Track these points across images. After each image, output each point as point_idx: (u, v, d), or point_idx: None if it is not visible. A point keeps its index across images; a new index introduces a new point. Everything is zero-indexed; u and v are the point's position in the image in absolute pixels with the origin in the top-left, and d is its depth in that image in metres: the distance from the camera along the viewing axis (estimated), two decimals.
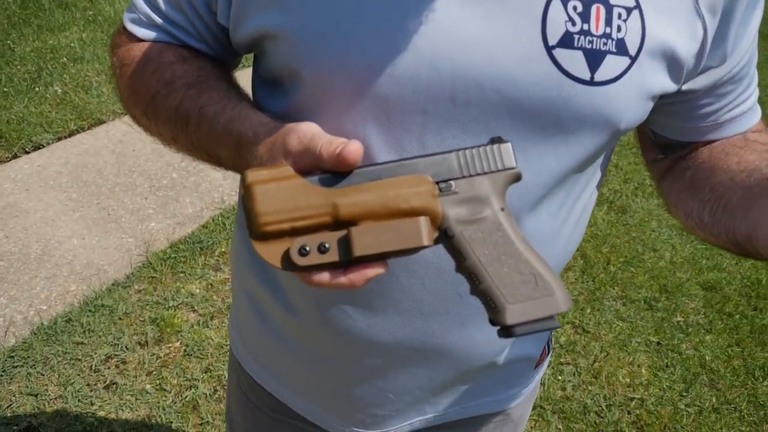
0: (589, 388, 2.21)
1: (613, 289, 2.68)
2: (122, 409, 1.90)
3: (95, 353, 2.05)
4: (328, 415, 0.86)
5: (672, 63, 0.61)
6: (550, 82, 0.57)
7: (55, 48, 3.79)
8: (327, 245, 0.50)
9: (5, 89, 3.33)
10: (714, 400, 2.24)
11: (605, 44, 0.57)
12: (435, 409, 0.84)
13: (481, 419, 0.90)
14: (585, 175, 0.69)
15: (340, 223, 0.50)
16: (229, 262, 1.74)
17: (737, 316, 2.66)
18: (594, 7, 0.57)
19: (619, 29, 0.57)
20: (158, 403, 1.93)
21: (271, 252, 0.51)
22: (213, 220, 2.69)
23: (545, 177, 0.63)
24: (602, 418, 2.11)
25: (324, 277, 0.51)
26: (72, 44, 3.86)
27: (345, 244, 0.50)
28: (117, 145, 3.05)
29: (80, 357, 2.04)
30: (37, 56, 3.68)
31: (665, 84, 0.63)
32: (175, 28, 0.68)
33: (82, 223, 2.58)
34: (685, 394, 2.25)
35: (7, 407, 1.87)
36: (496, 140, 0.53)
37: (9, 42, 3.77)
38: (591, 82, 0.58)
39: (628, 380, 2.26)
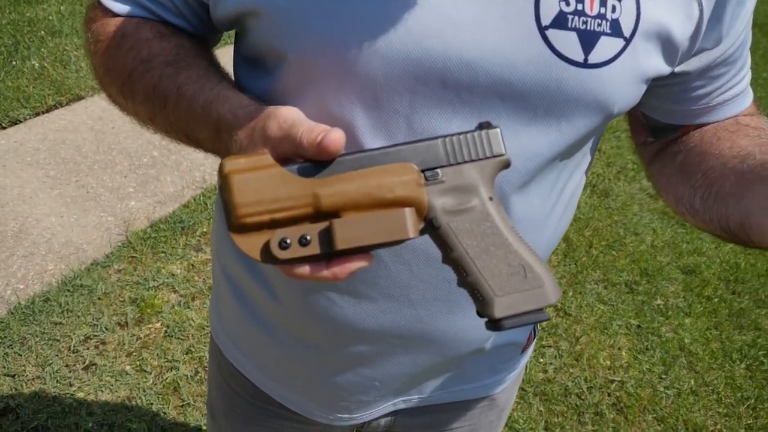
0: (571, 370, 2.23)
1: (595, 272, 2.70)
2: (101, 391, 1.88)
3: (74, 333, 2.03)
4: (310, 404, 0.85)
5: (667, 45, 0.60)
6: (542, 64, 0.56)
7: (32, 21, 3.70)
8: (308, 237, 0.48)
9: None
10: (692, 382, 2.28)
11: (599, 25, 0.56)
12: (419, 392, 0.84)
13: (467, 404, 0.90)
14: (575, 159, 0.68)
15: (322, 214, 0.49)
16: (210, 245, 1.72)
17: (716, 300, 2.69)
18: None
19: (613, 9, 0.56)
20: (138, 384, 1.92)
21: (251, 244, 0.49)
22: (194, 200, 2.66)
23: (536, 161, 0.62)
24: (583, 400, 2.13)
25: (305, 270, 0.49)
26: (50, 17, 3.76)
27: (327, 236, 0.48)
28: (96, 122, 3.00)
29: (59, 337, 2.01)
30: (13, 29, 3.59)
31: (659, 66, 0.62)
32: (152, 3, 0.65)
33: (61, 200, 2.54)
34: (664, 376, 2.28)
35: None
36: (485, 126, 0.51)
37: None
38: (584, 65, 0.56)
39: (608, 363, 2.28)
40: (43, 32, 3.61)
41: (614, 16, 0.56)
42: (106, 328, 2.07)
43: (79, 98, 3.15)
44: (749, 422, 2.16)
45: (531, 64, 0.56)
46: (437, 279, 0.68)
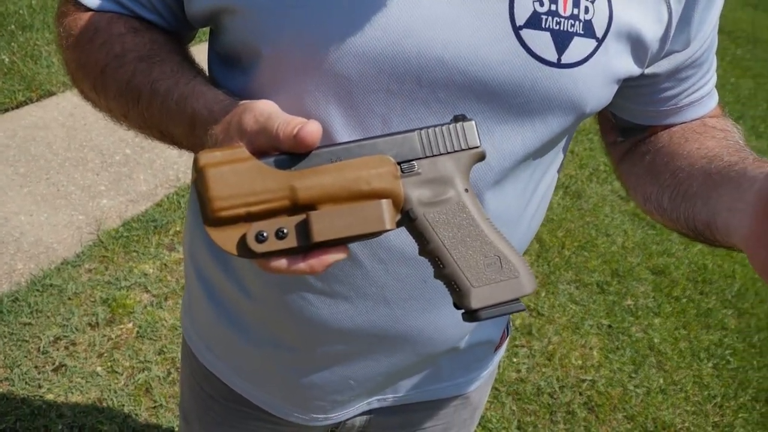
0: (543, 370, 2.25)
1: (568, 273, 2.74)
2: (72, 392, 1.85)
3: (43, 334, 1.99)
4: (285, 404, 0.84)
5: (637, 46, 0.62)
6: (517, 63, 0.57)
7: (2, 15, 3.63)
8: (285, 230, 0.48)
9: None
10: (661, 381, 2.32)
11: (572, 26, 0.57)
12: (394, 392, 0.84)
13: (441, 403, 0.91)
14: (548, 157, 0.69)
15: (299, 206, 0.49)
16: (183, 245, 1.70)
17: (684, 300, 2.75)
18: None
19: (586, 11, 0.57)
20: (110, 385, 1.89)
21: (227, 238, 0.49)
22: (167, 198, 2.63)
23: (511, 158, 0.63)
24: (555, 399, 2.16)
25: (282, 263, 0.49)
26: (20, 11, 3.70)
27: (304, 229, 0.48)
28: (68, 119, 2.95)
29: (27, 338, 1.97)
30: None
31: (630, 67, 0.63)
32: None
33: (30, 198, 2.49)
34: (634, 375, 2.32)
35: None
36: (460, 118, 0.52)
37: None
38: (558, 64, 0.57)
39: (580, 362, 2.31)
40: (13, 26, 3.54)
41: (587, 17, 0.57)
42: (76, 328, 2.03)
43: (50, 94, 3.10)
44: (716, 420, 2.21)
45: (505, 64, 0.56)
46: (413, 278, 0.68)
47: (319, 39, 0.55)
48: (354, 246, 0.64)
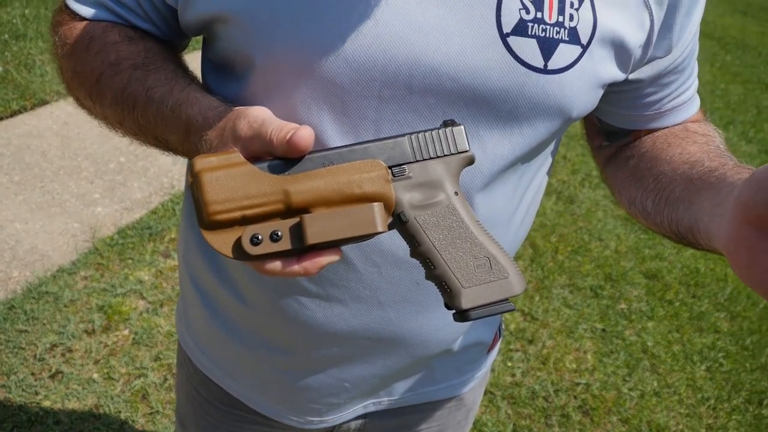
0: (538, 373, 2.26)
1: (561, 277, 2.75)
2: (68, 399, 1.85)
3: (40, 341, 1.99)
4: (281, 407, 0.85)
5: (621, 52, 0.63)
6: (504, 69, 0.58)
7: None
8: (279, 233, 0.49)
9: None
10: (655, 384, 2.33)
11: (558, 33, 0.58)
12: (389, 394, 0.85)
13: (435, 404, 0.91)
14: (536, 161, 0.71)
15: (293, 210, 0.50)
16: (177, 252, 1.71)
17: (677, 304, 2.76)
18: None
19: (571, 18, 0.59)
20: (106, 392, 1.89)
21: (222, 241, 0.50)
22: (162, 206, 2.64)
23: (500, 162, 0.64)
24: (550, 402, 2.17)
25: (276, 265, 0.50)
26: (14, 20, 3.70)
27: (298, 231, 0.50)
28: (62, 127, 2.95)
29: (24, 345, 1.97)
30: None
31: (614, 73, 0.65)
32: (120, 7, 0.65)
33: (25, 206, 2.49)
34: (628, 378, 2.33)
35: None
36: (449, 123, 0.53)
37: None
38: (544, 70, 0.59)
39: (574, 366, 2.33)
40: (6, 36, 3.55)
41: (572, 24, 0.59)
42: (72, 335, 2.03)
43: (44, 103, 3.10)
44: (709, 422, 2.22)
45: (494, 70, 0.58)
46: (406, 281, 0.69)
47: (312, 47, 0.56)
48: (348, 250, 0.65)
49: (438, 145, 0.53)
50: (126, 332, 2.09)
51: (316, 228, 0.49)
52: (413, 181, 0.52)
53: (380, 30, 0.56)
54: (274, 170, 0.50)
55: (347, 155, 0.51)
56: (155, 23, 0.67)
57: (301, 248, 0.50)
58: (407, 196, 0.52)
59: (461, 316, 0.52)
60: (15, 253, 2.29)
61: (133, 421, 1.83)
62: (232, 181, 0.49)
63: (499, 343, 0.96)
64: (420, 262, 0.54)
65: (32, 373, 1.90)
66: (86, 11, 0.66)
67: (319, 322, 0.71)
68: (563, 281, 2.73)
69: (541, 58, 0.58)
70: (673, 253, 3.07)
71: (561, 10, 0.58)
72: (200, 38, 0.69)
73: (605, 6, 0.60)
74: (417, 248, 0.53)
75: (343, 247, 0.62)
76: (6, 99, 3.05)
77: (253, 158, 0.51)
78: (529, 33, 0.58)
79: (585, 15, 0.59)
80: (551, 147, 0.73)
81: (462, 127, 0.53)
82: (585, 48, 0.60)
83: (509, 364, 2.28)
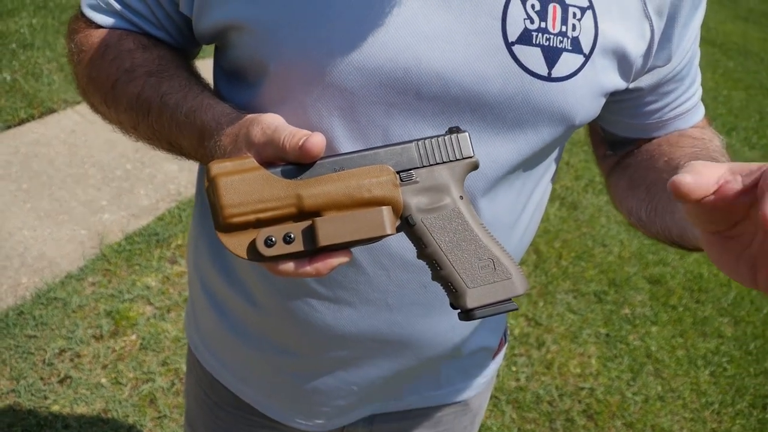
0: (542, 378, 2.27)
1: (565, 282, 2.76)
2: (77, 404, 1.87)
3: (48, 347, 2.01)
4: (289, 410, 0.86)
5: (622, 61, 0.65)
6: (510, 77, 0.60)
7: (3, 34, 3.67)
8: (292, 235, 0.51)
9: None
10: (659, 388, 2.34)
11: (561, 42, 0.60)
12: (395, 398, 0.86)
13: (441, 409, 0.92)
14: (540, 168, 0.72)
15: (305, 213, 0.52)
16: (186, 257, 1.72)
17: (681, 309, 2.77)
18: (551, 6, 0.59)
19: (573, 28, 0.60)
20: (114, 396, 1.91)
21: (237, 243, 0.52)
22: (169, 212, 2.66)
23: (504, 167, 0.66)
24: (554, 407, 2.17)
25: (289, 266, 0.52)
26: (22, 30, 3.74)
27: (310, 234, 0.52)
28: (69, 135, 2.98)
29: (33, 351, 1.99)
30: None
31: (616, 81, 0.66)
32: (135, 16, 0.67)
33: (33, 214, 2.52)
34: (632, 383, 2.33)
35: None
36: (454, 130, 0.55)
37: None
38: (548, 78, 0.61)
39: (578, 370, 2.33)
40: (14, 45, 3.58)
41: (574, 34, 0.61)
42: (81, 340, 2.05)
43: (52, 111, 3.13)
44: (714, 426, 2.23)
45: (499, 78, 0.60)
46: (414, 283, 0.70)
47: (323, 55, 0.58)
48: (357, 253, 0.67)
49: (444, 151, 0.55)
50: (133, 337, 2.10)
51: (328, 230, 0.51)
52: (420, 186, 0.54)
53: (388, 38, 0.57)
54: (286, 175, 0.52)
55: (357, 161, 0.53)
56: (169, 31, 0.69)
57: (313, 250, 0.52)
58: (414, 200, 0.54)
59: (466, 315, 0.54)
60: (24, 259, 2.31)
61: (141, 425, 1.85)
62: (246, 186, 0.51)
63: (504, 349, 0.96)
64: (427, 264, 0.56)
65: (41, 378, 1.92)
66: (102, 19, 0.68)
67: (328, 325, 0.72)
68: (567, 287, 2.74)
69: (546, 67, 0.60)
70: (676, 259, 3.07)
71: (564, 20, 0.60)
72: (211, 46, 0.71)
73: (607, 17, 0.62)
74: (424, 250, 0.55)
75: (353, 251, 0.63)
76: (14, 107, 3.08)
77: (267, 163, 0.53)
78: (534, 42, 0.59)
79: (587, 25, 0.61)
80: (555, 154, 0.74)
81: (467, 133, 0.55)
82: (587, 57, 0.62)
83: (514, 368, 2.29)
